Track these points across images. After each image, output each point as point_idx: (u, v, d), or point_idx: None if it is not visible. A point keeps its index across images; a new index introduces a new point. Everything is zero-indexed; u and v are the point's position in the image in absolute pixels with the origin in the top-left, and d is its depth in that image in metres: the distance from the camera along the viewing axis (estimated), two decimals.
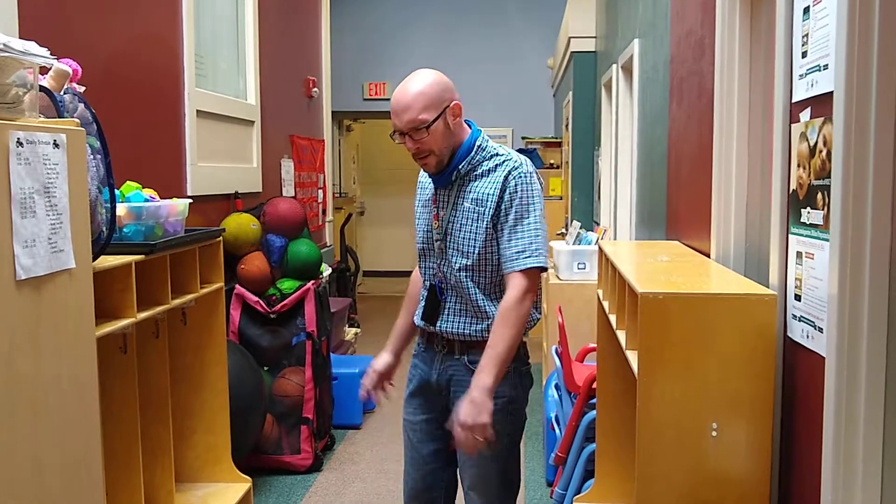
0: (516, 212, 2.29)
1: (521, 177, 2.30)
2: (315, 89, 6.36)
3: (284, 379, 4.23)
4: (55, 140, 1.82)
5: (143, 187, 2.88)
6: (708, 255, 2.68)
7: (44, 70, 2.06)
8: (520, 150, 9.12)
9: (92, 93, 2.52)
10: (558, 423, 3.76)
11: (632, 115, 4.66)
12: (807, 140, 1.79)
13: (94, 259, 2.15)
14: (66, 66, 2.16)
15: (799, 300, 1.83)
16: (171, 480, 3.11)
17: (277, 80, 5.45)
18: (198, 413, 3.36)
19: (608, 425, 3.08)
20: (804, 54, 1.82)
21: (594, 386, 3.20)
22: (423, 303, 2.47)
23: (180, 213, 2.96)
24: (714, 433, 1.88)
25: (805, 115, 1.81)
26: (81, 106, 2.25)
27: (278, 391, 4.21)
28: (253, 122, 4.91)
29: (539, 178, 2.38)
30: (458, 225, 2.36)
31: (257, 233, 4.27)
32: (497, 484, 2.42)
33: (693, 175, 3.01)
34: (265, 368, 4.23)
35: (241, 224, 4.21)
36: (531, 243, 2.27)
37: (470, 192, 2.35)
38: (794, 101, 1.89)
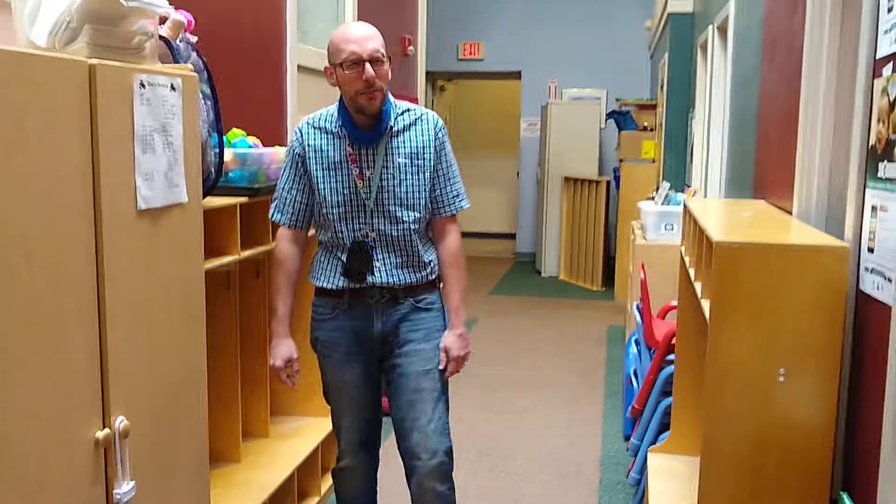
0: (447, 160, 2.51)
1: (443, 128, 2.53)
2: (411, 48, 6.47)
3: None
4: (172, 83, 1.98)
5: (247, 135, 3.06)
6: (790, 214, 2.70)
7: (161, 20, 2.24)
8: (613, 112, 9.06)
9: (200, 44, 2.69)
10: (636, 377, 3.84)
11: (725, 77, 4.63)
12: (888, 95, 1.81)
13: (203, 198, 2.33)
14: (182, 16, 2.33)
15: (872, 252, 1.87)
16: (266, 411, 3.32)
17: None
18: None
19: (685, 380, 3.14)
20: (890, 9, 1.84)
21: (673, 342, 3.26)
22: (344, 262, 2.45)
23: (281, 161, 3.13)
24: (781, 378, 1.94)
25: (888, 70, 1.83)
26: (194, 55, 2.43)
27: None
28: None
29: None
30: (398, 181, 2.42)
31: None
32: (443, 407, 2.56)
33: (780, 134, 3.01)
34: None
35: None
36: (461, 187, 2.56)
37: (399, 146, 2.43)
38: (877, 56, 1.91)
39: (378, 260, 2.46)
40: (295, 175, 2.51)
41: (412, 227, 2.46)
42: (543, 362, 5.71)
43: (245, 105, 3.75)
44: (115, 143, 1.76)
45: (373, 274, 2.45)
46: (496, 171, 11.87)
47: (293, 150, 2.51)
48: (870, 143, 1.92)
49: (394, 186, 2.43)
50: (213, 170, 2.49)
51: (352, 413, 2.62)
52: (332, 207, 2.45)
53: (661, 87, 7.70)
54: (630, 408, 3.55)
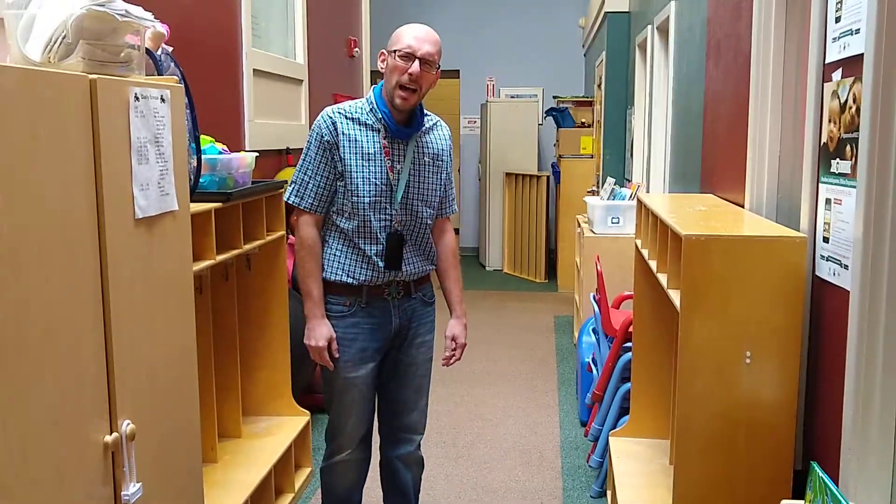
0: (450, 165, 2.73)
1: (451, 137, 2.74)
2: (356, 49, 6.54)
3: None
4: (162, 95, 2.04)
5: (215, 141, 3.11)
6: (741, 206, 2.87)
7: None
8: (551, 109, 9.23)
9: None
10: (595, 365, 3.99)
11: (667, 75, 4.82)
12: (838, 98, 1.97)
13: None
14: (162, 28, 2.37)
15: (827, 242, 2.04)
16: (238, 412, 3.38)
17: (322, 41, 5.64)
18: (261, 352, 3.61)
19: (643, 366, 3.30)
20: (838, 19, 2.00)
21: (630, 330, 3.42)
22: (380, 252, 2.55)
23: (248, 166, 3.19)
24: (748, 360, 2.10)
25: (837, 75, 2.00)
26: (172, 65, 2.48)
27: None
28: (301, 81, 5.12)
29: None
30: (422, 178, 2.61)
31: None
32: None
33: (729, 132, 3.19)
34: None
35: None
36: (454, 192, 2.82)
37: (424, 146, 2.63)
38: (826, 62, 2.07)
39: (406, 251, 2.61)
40: (321, 161, 2.55)
41: (427, 221, 2.64)
42: (497, 354, 5.85)
43: (206, 111, 3.77)
44: (114, 155, 1.81)
45: (404, 263, 2.60)
46: None
47: (322, 138, 2.54)
48: (821, 142, 2.09)
49: (418, 183, 2.60)
50: (192, 176, 2.54)
51: (358, 411, 2.67)
52: (363, 196, 2.53)
53: (599, 84, 7.91)
54: (590, 394, 3.70)
